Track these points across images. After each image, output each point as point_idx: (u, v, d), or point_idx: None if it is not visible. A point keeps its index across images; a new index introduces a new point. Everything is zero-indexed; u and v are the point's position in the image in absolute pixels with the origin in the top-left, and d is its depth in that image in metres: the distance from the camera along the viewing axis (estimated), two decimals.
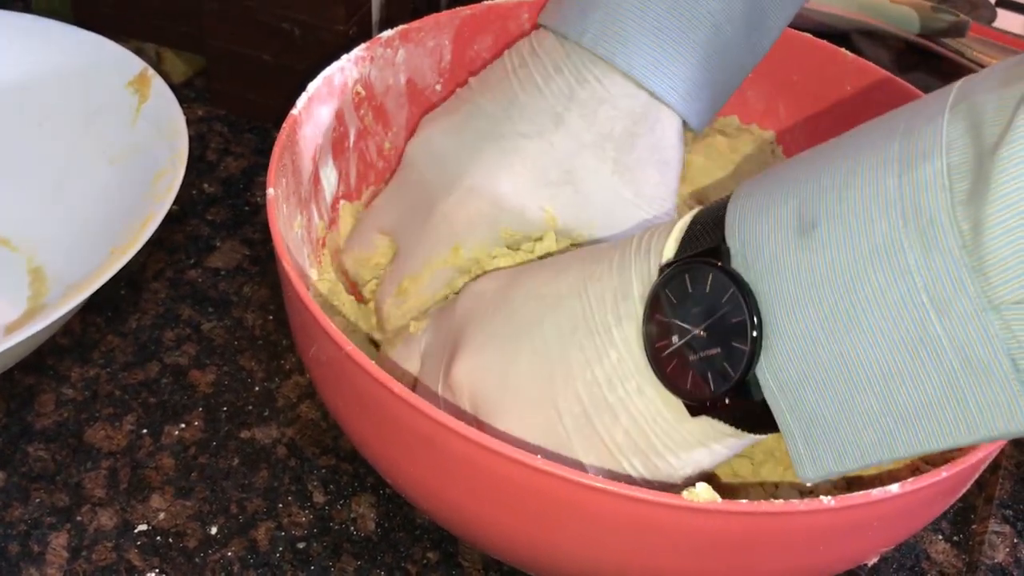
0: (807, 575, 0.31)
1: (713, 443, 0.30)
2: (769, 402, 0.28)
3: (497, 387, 0.33)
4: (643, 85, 0.38)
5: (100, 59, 0.49)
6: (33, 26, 0.50)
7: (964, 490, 0.31)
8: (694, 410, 0.29)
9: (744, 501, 0.26)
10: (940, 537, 0.41)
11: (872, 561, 0.32)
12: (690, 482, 0.30)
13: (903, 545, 0.40)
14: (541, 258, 0.38)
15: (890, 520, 0.29)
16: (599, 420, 0.31)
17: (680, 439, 0.30)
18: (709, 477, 0.35)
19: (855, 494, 0.26)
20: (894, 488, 0.27)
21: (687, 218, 0.31)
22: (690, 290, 0.29)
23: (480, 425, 0.33)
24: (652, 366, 0.30)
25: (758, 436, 0.30)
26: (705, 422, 0.30)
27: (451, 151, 0.40)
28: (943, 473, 0.28)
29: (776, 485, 0.36)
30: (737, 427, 0.29)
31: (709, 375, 0.28)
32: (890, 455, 0.26)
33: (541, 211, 0.38)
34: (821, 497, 0.26)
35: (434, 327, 0.37)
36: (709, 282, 0.28)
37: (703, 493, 0.27)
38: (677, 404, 0.30)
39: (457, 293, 0.38)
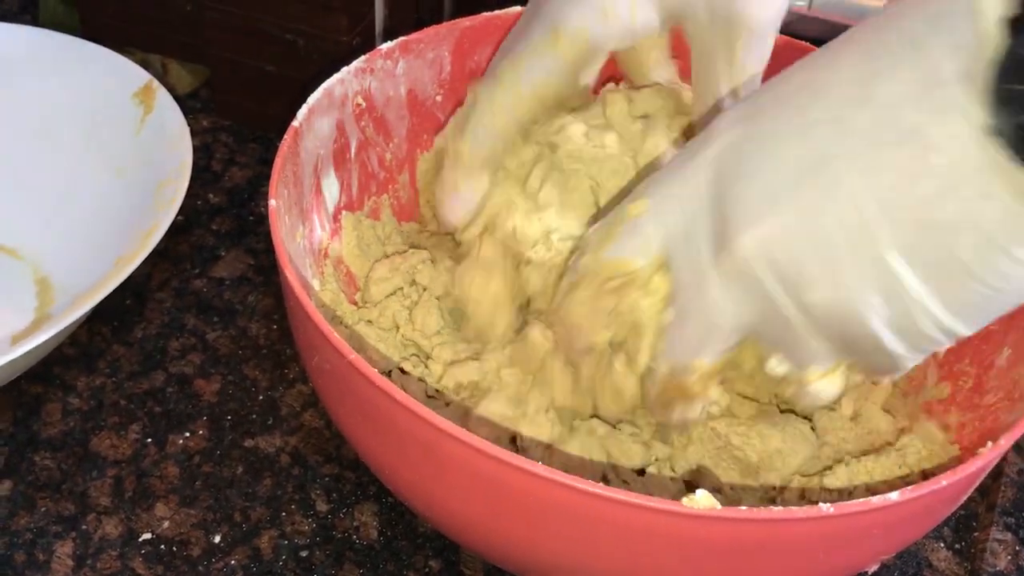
0: None
1: None
2: None
3: (809, 250, 0.27)
4: None
5: (106, 71, 0.49)
6: (40, 39, 0.50)
7: (964, 498, 0.31)
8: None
9: (743, 508, 0.26)
10: (942, 545, 0.41)
11: (872, 569, 0.32)
12: None
13: (904, 552, 0.40)
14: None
15: (890, 528, 0.29)
16: (938, 244, 0.26)
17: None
18: (710, 479, 0.35)
19: (854, 501, 0.26)
20: (894, 496, 0.27)
21: None
22: None
23: (797, 304, 0.28)
24: (1010, 147, 0.24)
25: None
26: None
27: None
28: (943, 481, 0.28)
29: (774, 488, 0.36)
30: None
31: None
32: None
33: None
34: (820, 504, 0.26)
35: (665, 203, 0.31)
36: None
37: (702, 500, 0.27)
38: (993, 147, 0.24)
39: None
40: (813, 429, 0.38)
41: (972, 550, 0.41)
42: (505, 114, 0.39)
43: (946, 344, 0.29)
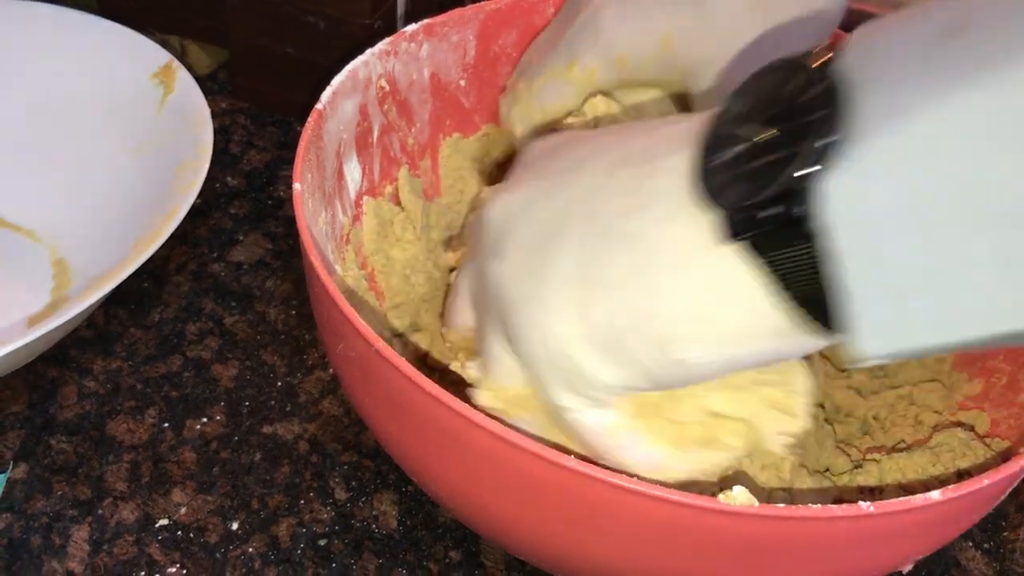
0: None
1: (730, 288, 0.26)
2: (830, 229, 0.22)
3: (515, 218, 0.30)
4: None
5: (125, 50, 0.48)
6: (59, 17, 0.50)
7: (1003, 497, 0.31)
8: (730, 230, 0.25)
9: (781, 505, 0.25)
10: (971, 544, 0.40)
11: (907, 568, 0.31)
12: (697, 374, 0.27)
13: (933, 552, 0.39)
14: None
15: (929, 527, 0.28)
16: (603, 253, 0.27)
17: (695, 281, 0.26)
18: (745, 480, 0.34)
19: (895, 500, 0.26)
20: (935, 495, 0.26)
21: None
22: (766, 88, 0.25)
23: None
24: (698, 180, 0.26)
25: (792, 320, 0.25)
26: (734, 260, 0.25)
27: None
28: (985, 480, 0.27)
29: (785, 489, 0.35)
30: (771, 271, 0.24)
31: (762, 178, 0.24)
32: (977, 332, 0.22)
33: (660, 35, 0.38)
34: (860, 503, 0.25)
35: (470, 269, 0.35)
36: (794, 81, 0.24)
37: (740, 496, 0.26)
38: (703, 228, 0.25)
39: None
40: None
41: (1002, 550, 0.40)
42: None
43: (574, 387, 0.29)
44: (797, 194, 0.23)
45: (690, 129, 0.27)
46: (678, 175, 0.26)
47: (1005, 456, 0.33)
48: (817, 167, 0.23)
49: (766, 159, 0.24)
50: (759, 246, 0.25)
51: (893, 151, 0.22)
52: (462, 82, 0.46)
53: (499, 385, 0.31)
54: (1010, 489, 0.31)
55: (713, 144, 0.26)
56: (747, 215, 0.24)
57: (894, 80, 0.23)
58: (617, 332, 0.27)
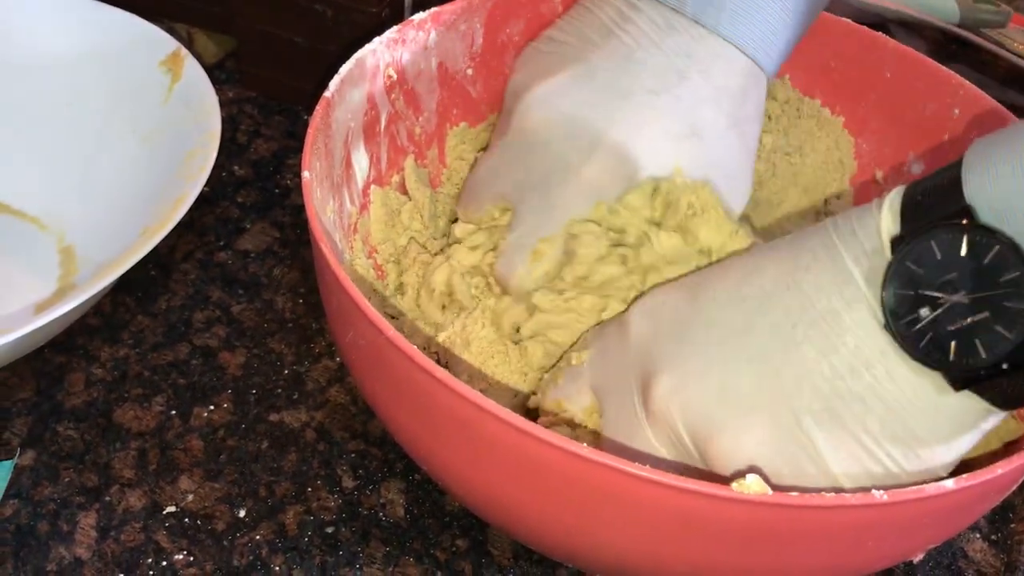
0: (852, 570, 0.30)
1: (977, 421, 0.29)
2: None
3: (716, 404, 0.31)
4: (747, 53, 0.39)
5: (133, 38, 0.48)
6: (66, 4, 0.50)
7: (1015, 486, 0.31)
8: (959, 384, 0.28)
9: (795, 494, 0.25)
10: (978, 536, 0.40)
11: (919, 557, 0.31)
12: (951, 470, 0.29)
13: (946, 540, 0.39)
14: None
15: (942, 516, 0.28)
16: (848, 412, 0.29)
17: (942, 420, 0.29)
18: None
19: (909, 489, 0.26)
20: (949, 484, 0.26)
21: (896, 192, 0.29)
22: (939, 256, 0.27)
23: (700, 453, 0.31)
24: (901, 344, 0.28)
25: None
26: (967, 399, 0.28)
27: (579, 112, 0.39)
28: (999, 470, 0.27)
29: None
30: (1004, 404, 0.28)
31: (978, 343, 0.27)
32: None
33: (673, 166, 0.38)
34: (874, 491, 0.25)
35: (601, 355, 0.36)
36: (964, 245, 0.27)
37: (754, 485, 0.26)
38: (935, 382, 0.28)
39: (617, 317, 0.37)
40: None
41: (1009, 542, 0.40)
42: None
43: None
44: (1014, 353, 0.26)
45: (842, 280, 0.29)
46: (872, 331, 0.29)
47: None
48: None
49: (967, 322, 0.27)
50: (980, 389, 0.28)
51: None
52: (469, 71, 0.46)
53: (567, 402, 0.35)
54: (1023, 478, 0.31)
55: (896, 311, 0.28)
56: (968, 373, 0.27)
57: None
58: (880, 462, 0.30)
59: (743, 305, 0.31)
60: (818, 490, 0.29)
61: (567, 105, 0.39)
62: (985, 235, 0.27)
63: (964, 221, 0.27)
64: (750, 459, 0.30)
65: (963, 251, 0.27)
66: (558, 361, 0.38)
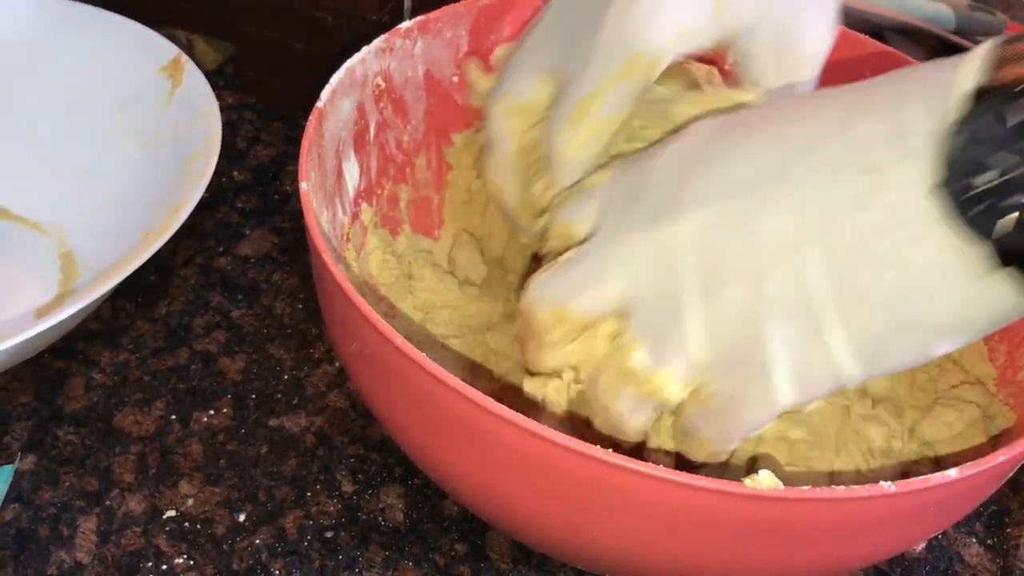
0: (855, 560, 0.31)
1: (988, 320, 0.27)
2: None
3: (741, 243, 0.29)
4: None
5: (134, 44, 0.49)
6: (66, 10, 0.50)
7: (1012, 473, 0.31)
8: (1007, 259, 0.26)
9: (806, 488, 0.26)
10: (974, 540, 0.40)
11: (920, 547, 0.32)
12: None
13: (936, 547, 0.40)
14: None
15: (945, 505, 0.29)
16: (861, 272, 0.27)
17: (954, 305, 0.27)
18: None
19: (914, 479, 0.26)
20: (953, 473, 0.27)
21: (987, 46, 0.27)
22: (1020, 120, 0.25)
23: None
24: (953, 207, 0.26)
25: None
26: (993, 289, 0.26)
27: None
28: (1000, 457, 0.28)
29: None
30: None
31: None
32: None
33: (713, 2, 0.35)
34: (882, 483, 0.26)
35: (623, 180, 0.33)
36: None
37: (766, 480, 0.27)
38: (963, 262, 0.26)
39: (647, 146, 0.34)
40: None
41: (1004, 546, 0.40)
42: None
43: (822, 392, 0.29)
44: None
45: (899, 132, 0.27)
46: (916, 192, 0.27)
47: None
48: None
49: None
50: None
51: None
52: (455, 79, 0.46)
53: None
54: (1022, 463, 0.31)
55: (958, 169, 0.26)
56: (1015, 244, 0.26)
57: None
58: (884, 345, 0.28)
59: (786, 144, 0.29)
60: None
61: None
62: None
63: None
64: (755, 306, 0.29)
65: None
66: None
